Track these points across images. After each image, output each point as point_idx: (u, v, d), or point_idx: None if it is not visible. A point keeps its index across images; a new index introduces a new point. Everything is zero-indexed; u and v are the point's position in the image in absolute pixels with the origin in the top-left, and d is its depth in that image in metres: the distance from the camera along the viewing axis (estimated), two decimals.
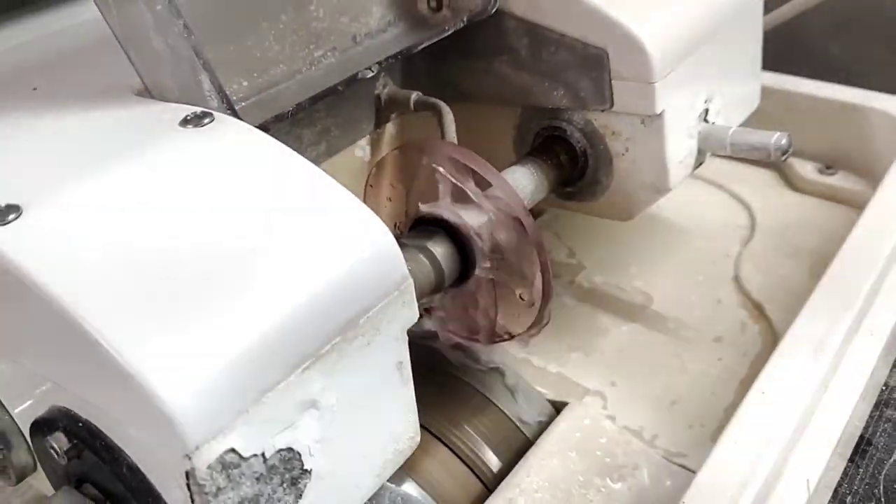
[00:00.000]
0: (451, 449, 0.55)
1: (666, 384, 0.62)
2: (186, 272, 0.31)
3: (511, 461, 0.55)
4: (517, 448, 0.56)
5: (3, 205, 0.32)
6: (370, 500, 0.40)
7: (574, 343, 0.67)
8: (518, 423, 0.58)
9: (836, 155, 0.80)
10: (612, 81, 0.53)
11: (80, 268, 0.30)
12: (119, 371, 0.28)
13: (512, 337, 0.52)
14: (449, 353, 0.60)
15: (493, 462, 0.55)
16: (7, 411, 0.41)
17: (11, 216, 0.32)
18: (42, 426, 0.34)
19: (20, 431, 0.41)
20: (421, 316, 0.57)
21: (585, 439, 0.56)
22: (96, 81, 0.44)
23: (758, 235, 0.76)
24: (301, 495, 0.33)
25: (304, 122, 0.54)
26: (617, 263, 0.74)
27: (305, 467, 0.33)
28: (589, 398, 0.61)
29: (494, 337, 0.53)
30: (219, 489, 0.30)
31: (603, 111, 0.55)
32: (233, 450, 0.30)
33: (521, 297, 0.51)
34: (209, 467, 0.29)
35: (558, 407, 0.59)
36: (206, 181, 0.35)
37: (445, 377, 0.59)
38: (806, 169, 0.81)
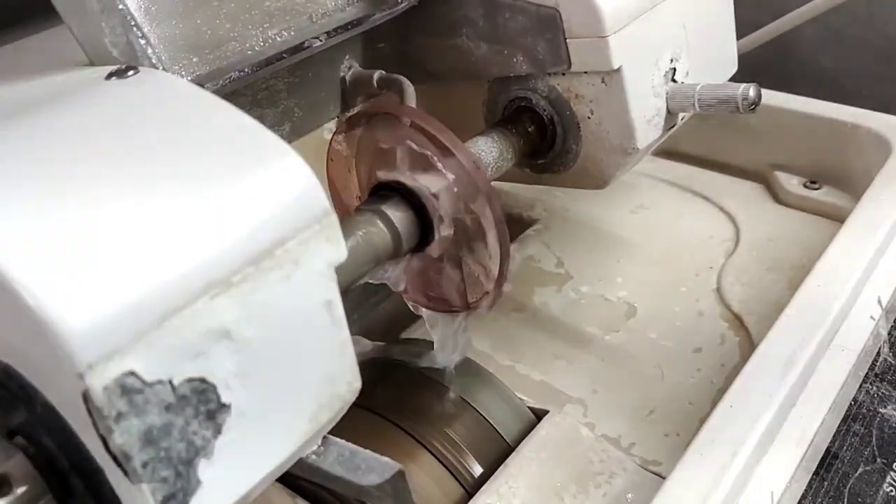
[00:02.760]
0: (432, 453, 0.55)
1: (645, 394, 0.63)
2: (92, 203, 0.31)
3: (492, 466, 0.56)
4: (498, 454, 0.57)
5: None
6: (318, 454, 0.39)
7: (558, 351, 0.67)
8: (499, 430, 0.58)
9: (822, 170, 0.81)
10: (567, 40, 0.52)
11: None
12: (17, 298, 0.28)
13: (474, 305, 0.51)
14: (428, 360, 0.60)
15: (475, 468, 0.56)
16: None
17: None
18: None
19: None
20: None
21: (564, 447, 0.57)
22: (47, 59, 0.45)
23: (741, 248, 0.76)
24: (220, 431, 0.32)
25: (265, 103, 0.54)
26: (603, 274, 0.75)
27: (223, 401, 0.32)
28: (570, 406, 0.62)
29: (466, 304, 0.53)
30: (119, 414, 0.29)
31: (564, 74, 0.54)
32: (132, 373, 0.29)
33: (481, 262, 0.50)
34: (105, 388, 0.28)
35: (539, 414, 0.59)
36: (123, 124, 0.35)
37: (428, 383, 0.60)
38: (791, 183, 0.82)
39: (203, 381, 0.32)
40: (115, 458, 0.30)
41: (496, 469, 0.55)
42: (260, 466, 0.35)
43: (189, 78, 0.47)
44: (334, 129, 0.59)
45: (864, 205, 0.66)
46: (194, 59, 0.49)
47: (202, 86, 0.41)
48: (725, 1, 0.62)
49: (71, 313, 0.28)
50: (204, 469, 0.32)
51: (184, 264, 0.30)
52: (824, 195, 0.80)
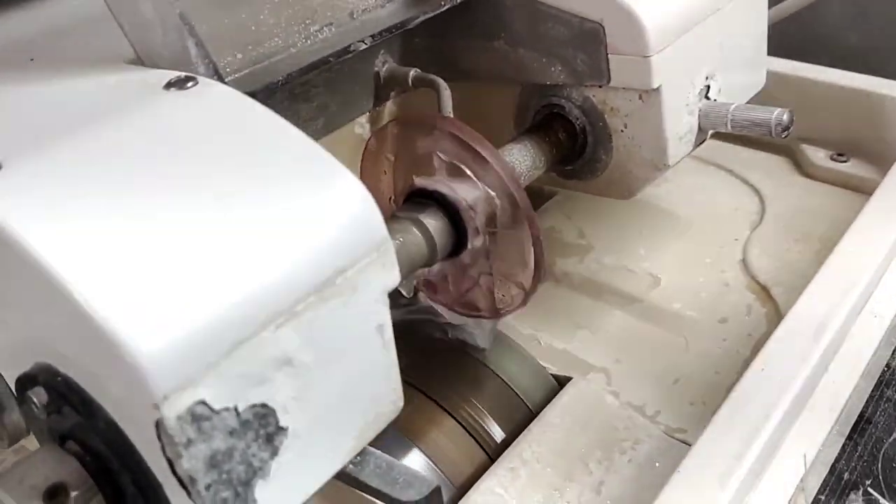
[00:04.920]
0: (456, 420, 0.56)
1: (670, 363, 0.62)
2: (164, 229, 0.31)
3: (514, 433, 0.56)
4: (520, 420, 0.57)
5: None
6: (355, 464, 0.40)
7: (581, 321, 0.67)
8: (522, 397, 0.59)
9: (849, 142, 0.80)
10: (609, 56, 0.52)
11: (56, 222, 0.30)
12: (90, 322, 0.29)
13: (503, 312, 0.52)
14: (454, 330, 0.60)
15: (497, 433, 0.56)
16: None
17: None
18: (25, 382, 0.35)
19: (13, 395, 0.42)
20: (417, 293, 0.57)
21: (588, 413, 0.57)
22: (91, 53, 0.45)
23: (767, 220, 0.75)
24: (276, 452, 0.33)
25: (301, 97, 0.54)
26: (626, 245, 0.74)
27: (281, 424, 0.33)
28: (593, 374, 0.62)
29: (495, 311, 0.53)
30: (189, 440, 0.30)
31: (601, 87, 0.55)
32: (203, 402, 0.30)
33: (512, 273, 0.51)
34: (179, 418, 0.29)
35: (562, 382, 0.60)
36: (186, 141, 0.35)
37: (453, 352, 0.60)
38: (818, 156, 0.81)
39: (265, 406, 0.32)
40: (180, 481, 0.31)
41: (518, 435, 0.55)
42: (309, 484, 0.36)
43: (234, 76, 0.47)
44: (366, 123, 0.59)
45: (894, 175, 0.66)
46: (238, 56, 0.48)
47: (255, 95, 0.41)
48: (760, 18, 0.62)
49: (149, 344, 0.28)
50: (261, 489, 0.33)
51: (254, 294, 0.31)
52: (851, 168, 0.79)
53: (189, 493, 0.31)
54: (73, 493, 0.34)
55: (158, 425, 0.29)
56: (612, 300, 0.69)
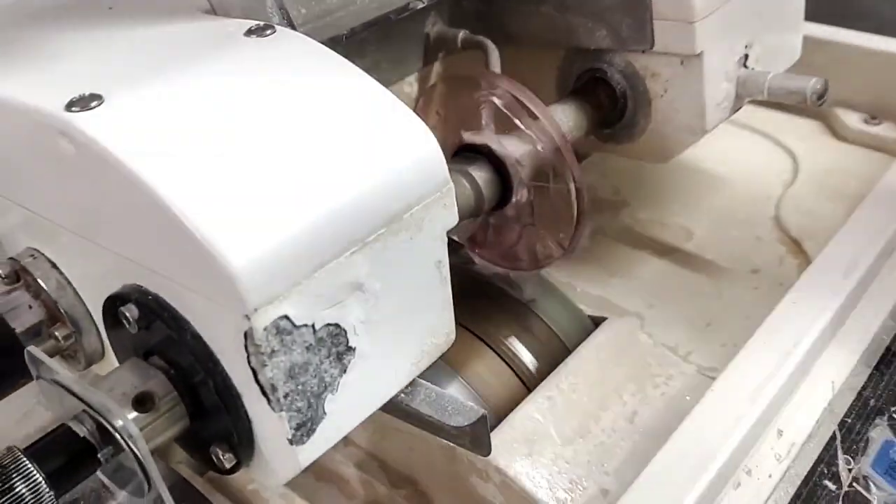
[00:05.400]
0: (497, 353, 0.59)
1: (702, 308, 0.65)
2: (254, 157, 0.34)
3: (551, 367, 0.59)
4: (557, 356, 0.60)
5: (87, 93, 0.35)
6: (406, 393, 0.43)
7: (615, 270, 0.70)
8: (559, 334, 0.61)
9: (882, 105, 0.82)
10: (654, 21, 0.55)
11: (156, 148, 0.33)
12: (191, 237, 0.32)
13: (542, 264, 0.55)
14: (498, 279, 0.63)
15: (534, 366, 0.59)
16: (80, 299, 0.45)
17: (94, 103, 0.35)
18: (116, 301, 0.38)
19: (91, 317, 0.45)
20: (463, 247, 0.60)
21: (622, 350, 0.59)
22: (164, 1, 0.47)
23: (800, 180, 0.78)
24: (345, 370, 0.36)
25: (355, 53, 0.56)
26: (660, 202, 0.77)
27: (350, 344, 0.36)
28: (628, 318, 0.64)
29: (535, 262, 0.56)
30: (273, 351, 0.33)
31: (644, 52, 0.57)
32: (286, 317, 0.33)
33: (555, 226, 0.53)
34: (265, 329, 0.32)
35: (597, 322, 0.62)
36: (271, 82, 0.38)
37: (496, 294, 0.63)
38: (851, 119, 0.83)
39: (337, 326, 0.35)
40: (262, 389, 0.34)
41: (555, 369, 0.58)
42: (370, 403, 0.39)
43: (301, 28, 0.49)
44: (414, 82, 0.62)
45: None
46: (303, 11, 0.51)
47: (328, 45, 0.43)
48: None
49: (244, 258, 0.31)
50: (329, 402, 0.36)
51: (334, 222, 0.34)
52: (884, 130, 0.81)
53: (269, 401, 0.34)
54: (159, 401, 0.37)
55: (247, 335, 0.32)
56: (646, 251, 0.71)
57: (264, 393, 0.34)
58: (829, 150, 0.82)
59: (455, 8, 0.62)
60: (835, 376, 0.50)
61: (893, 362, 0.53)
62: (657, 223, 0.74)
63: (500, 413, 0.54)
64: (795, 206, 0.74)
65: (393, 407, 0.43)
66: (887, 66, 0.80)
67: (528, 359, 0.59)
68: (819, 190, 0.75)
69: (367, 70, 0.58)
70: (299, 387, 0.35)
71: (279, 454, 0.37)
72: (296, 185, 0.34)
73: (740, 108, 0.61)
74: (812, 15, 0.74)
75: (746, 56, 0.59)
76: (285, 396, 0.34)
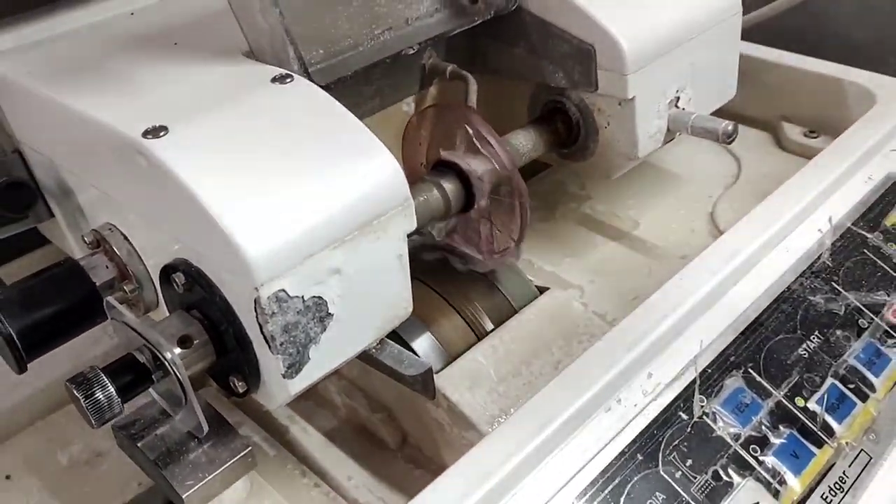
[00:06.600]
0: (459, 314, 0.72)
1: (633, 285, 0.77)
2: (267, 178, 0.49)
3: (502, 324, 0.72)
4: (507, 317, 0.73)
5: (157, 125, 0.51)
6: (376, 349, 0.58)
7: (570, 251, 0.83)
8: (511, 300, 0.75)
9: (820, 121, 0.94)
10: (598, 71, 0.68)
11: (204, 165, 0.48)
12: (221, 232, 0.47)
13: (499, 254, 0.69)
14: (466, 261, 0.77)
15: (488, 324, 0.73)
16: (143, 264, 0.61)
17: (162, 133, 0.50)
18: (169, 269, 0.53)
19: (150, 278, 0.61)
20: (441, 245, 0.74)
21: (558, 314, 0.72)
22: (218, 42, 0.62)
23: (740, 183, 0.91)
24: (325, 329, 0.51)
25: (363, 82, 0.71)
26: (617, 196, 0.90)
27: (329, 311, 0.51)
28: (571, 290, 0.77)
29: (493, 252, 0.71)
30: (273, 313, 0.48)
31: (591, 93, 0.71)
32: (283, 290, 0.48)
33: (506, 228, 0.68)
34: (268, 298, 0.48)
35: (543, 291, 0.76)
36: (284, 121, 0.53)
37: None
38: (794, 132, 0.96)
39: (321, 297, 0.51)
40: (265, 337, 0.49)
41: None
42: (343, 354, 0.54)
43: (317, 66, 0.64)
44: (412, 103, 0.76)
45: (835, 144, 0.80)
46: (320, 52, 0.65)
47: (336, 86, 0.58)
48: (733, 37, 0.76)
49: (255, 249, 0.46)
50: (313, 351, 0.51)
51: (321, 227, 0.49)
52: (820, 143, 0.92)
53: (270, 347, 0.50)
54: (196, 342, 0.53)
55: (256, 302, 0.48)
56: (598, 238, 0.85)
57: (266, 341, 0.49)
58: (772, 158, 0.94)
59: (448, 44, 0.76)
60: (704, 336, 0.60)
61: (757, 330, 0.62)
62: (612, 214, 0.87)
63: (457, 357, 0.69)
64: (730, 204, 0.87)
65: (367, 358, 0.59)
66: (821, 85, 0.92)
67: (483, 318, 0.71)
68: (753, 192, 0.86)
69: (373, 93, 0.74)
70: (291, 338, 0.50)
71: (276, 385, 0.52)
72: (295, 200, 0.49)
73: (673, 138, 0.74)
74: (787, 35, 0.84)
75: (678, 98, 0.73)
76: (281, 345, 0.49)
